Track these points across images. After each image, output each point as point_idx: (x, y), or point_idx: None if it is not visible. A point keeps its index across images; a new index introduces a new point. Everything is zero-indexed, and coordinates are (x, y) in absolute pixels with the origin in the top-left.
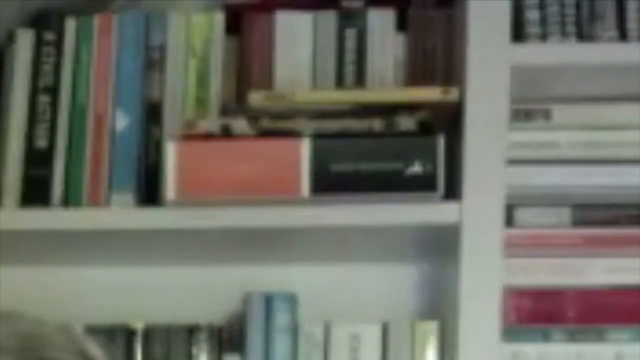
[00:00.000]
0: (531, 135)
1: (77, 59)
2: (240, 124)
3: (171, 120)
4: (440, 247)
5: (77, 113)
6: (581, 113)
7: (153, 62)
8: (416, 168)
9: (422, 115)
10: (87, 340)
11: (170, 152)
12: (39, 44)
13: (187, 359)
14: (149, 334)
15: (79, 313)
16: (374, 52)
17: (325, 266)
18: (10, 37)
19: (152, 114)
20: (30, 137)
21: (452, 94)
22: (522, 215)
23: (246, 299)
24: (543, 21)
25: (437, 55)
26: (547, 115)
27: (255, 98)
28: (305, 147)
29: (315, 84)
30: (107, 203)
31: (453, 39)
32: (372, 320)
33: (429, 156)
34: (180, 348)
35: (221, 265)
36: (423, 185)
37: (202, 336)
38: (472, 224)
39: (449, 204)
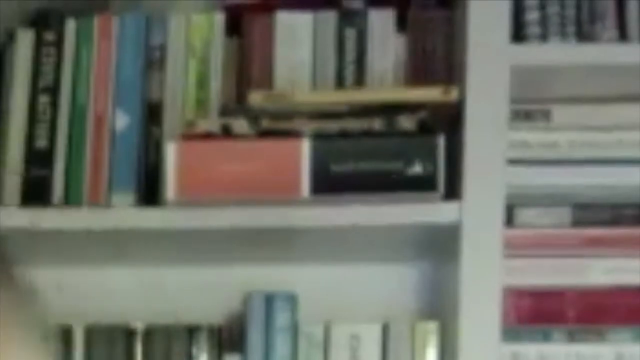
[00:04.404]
0: (531, 136)
1: (77, 59)
2: (240, 124)
3: (171, 120)
4: (440, 247)
5: (77, 113)
6: (581, 113)
7: (153, 62)
8: (416, 168)
9: (422, 115)
10: None
11: (171, 152)
12: (39, 44)
13: (187, 359)
14: (149, 334)
15: (79, 313)
16: (374, 52)
17: (325, 266)
18: (10, 37)
19: (152, 114)
20: (30, 137)
21: (452, 94)
22: (522, 215)
23: (246, 299)
24: (543, 21)
25: (437, 55)
26: (547, 115)
27: (255, 98)
28: (305, 147)
29: (315, 84)
30: (107, 203)
31: (453, 39)
32: (372, 320)
33: (429, 156)
34: (180, 348)
35: (221, 265)
36: (423, 185)
37: (202, 336)
38: (472, 224)
39: (449, 203)
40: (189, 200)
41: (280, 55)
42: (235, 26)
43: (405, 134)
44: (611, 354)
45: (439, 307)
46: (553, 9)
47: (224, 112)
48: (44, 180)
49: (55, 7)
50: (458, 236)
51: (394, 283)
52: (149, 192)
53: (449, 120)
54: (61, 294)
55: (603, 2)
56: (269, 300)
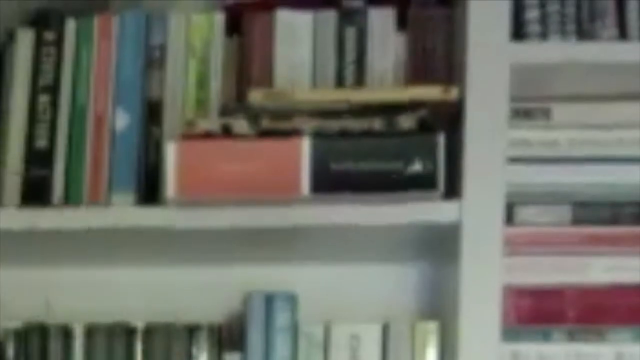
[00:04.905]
0: (531, 134)
1: (77, 59)
2: (240, 124)
3: (171, 120)
4: (440, 246)
5: (77, 113)
6: (581, 111)
7: (153, 62)
8: (416, 167)
9: (422, 113)
10: None
11: (171, 152)
12: (39, 44)
13: (187, 359)
14: (149, 333)
15: (79, 313)
16: (374, 51)
17: (325, 266)
18: (10, 37)
19: (152, 113)
20: (30, 137)
21: (452, 93)
22: (523, 213)
23: (246, 299)
24: (543, 20)
25: (437, 55)
26: (547, 113)
27: (255, 96)
28: (305, 147)
29: (315, 84)
30: (108, 202)
31: (453, 38)
32: (372, 320)
33: (429, 155)
34: (180, 348)
35: (221, 265)
36: (423, 184)
37: (202, 336)
38: (472, 223)
39: (449, 202)
40: (189, 200)
41: (280, 54)
42: (235, 26)
43: (405, 132)
44: (611, 353)
45: (439, 307)
46: (553, 7)
47: (224, 111)
48: (44, 180)
49: (55, 7)
50: (458, 236)
51: (394, 283)
52: (149, 191)
53: (449, 119)
54: (61, 294)
55: (603, 1)
56: (269, 300)
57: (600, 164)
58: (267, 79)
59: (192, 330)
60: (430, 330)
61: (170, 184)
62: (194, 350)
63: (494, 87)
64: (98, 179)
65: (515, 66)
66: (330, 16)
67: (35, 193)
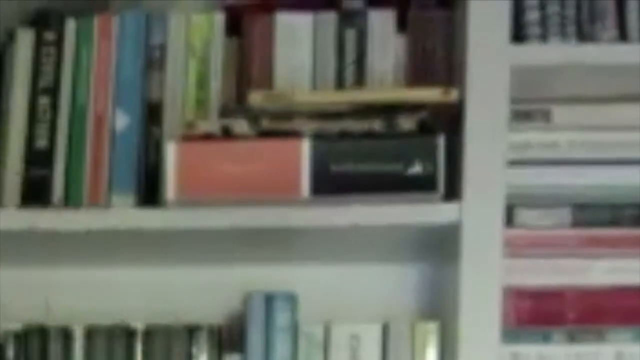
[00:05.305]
0: (531, 136)
1: (77, 59)
2: (240, 125)
3: (171, 120)
4: (440, 247)
5: (77, 113)
6: (581, 113)
7: (153, 62)
8: (416, 168)
9: (422, 115)
10: None
11: (171, 153)
12: (39, 44)
13: (187, 359)
14: (149, 334)
15: (78, 314)
16: (374, 52)
17: (325, 266)
18: (10, 37)
19: (152, 114)
20: (30, 137)
21: (452, 95)
22: (522, 215)
23: (246, 299)
24: (543, 22)
25: (437, 56)
26: (547, 115)
27: (255, 98)
28: (305, 148)
29: (315, 85)
30: (108, 203)
31: (453, 39)
32: (372, 320)
33: (429, 156)
34: (180, 348)
35: (221, 265)
36: (423, 185)
37: (202, 336)
38: (472, 224)
39: (449, 204)
40: (189, 200)
41: (280, 55)
42: (235, 26)
43: (406, 134)
44: (611, 353)
45: (439, 307)
46: (553, 9)
47: (224, 112)
48: (43, 179)
49: (55, 7)
50: (458, 236)
51: (394, 283)
52: (149, 192)
53: (449, 121)
54: (61, 294)
55: (603, 2)
56: (269, 300)
57: (600, 166)
58: (267, 81)
59: (192, 331)
60: (430, 331)
61: (170, 185)
62: (194, 351)
63: (494, 88)
64: (98, 180)
65: (515, 68)
66: (330, 18)
67: (35, 193)
